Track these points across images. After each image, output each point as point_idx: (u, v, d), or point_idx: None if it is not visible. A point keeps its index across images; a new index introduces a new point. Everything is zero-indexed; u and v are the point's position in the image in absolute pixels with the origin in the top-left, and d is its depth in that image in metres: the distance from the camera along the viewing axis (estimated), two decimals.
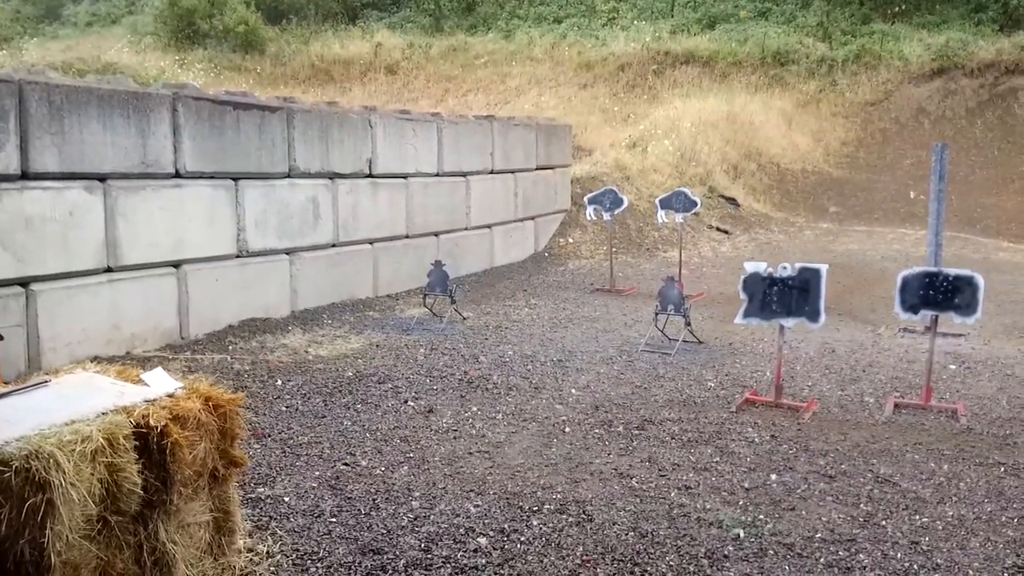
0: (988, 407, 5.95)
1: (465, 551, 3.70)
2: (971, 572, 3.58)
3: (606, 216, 10.83)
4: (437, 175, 10.53)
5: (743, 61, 20.98)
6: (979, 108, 18.60)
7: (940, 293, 5.77)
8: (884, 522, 4.07)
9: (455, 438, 5.16)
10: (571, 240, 13.27)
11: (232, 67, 22.85)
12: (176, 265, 7.26)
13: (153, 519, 3.10)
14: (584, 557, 3.67)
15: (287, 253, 8.39)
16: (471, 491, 4.35)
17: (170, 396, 3.29)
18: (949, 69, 19.39)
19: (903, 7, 21.78)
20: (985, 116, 18.40)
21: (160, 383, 3.39)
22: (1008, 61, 18.92)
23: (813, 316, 5.75)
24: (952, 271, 5.83)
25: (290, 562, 3.58)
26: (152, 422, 3.05)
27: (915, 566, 3.63)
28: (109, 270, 6.71)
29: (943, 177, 8.36)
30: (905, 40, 20.42)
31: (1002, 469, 4.76)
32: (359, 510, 4.10)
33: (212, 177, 7.55)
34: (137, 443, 3.01)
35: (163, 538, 3.14)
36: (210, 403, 3.36)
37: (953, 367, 7.00)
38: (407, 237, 10.06)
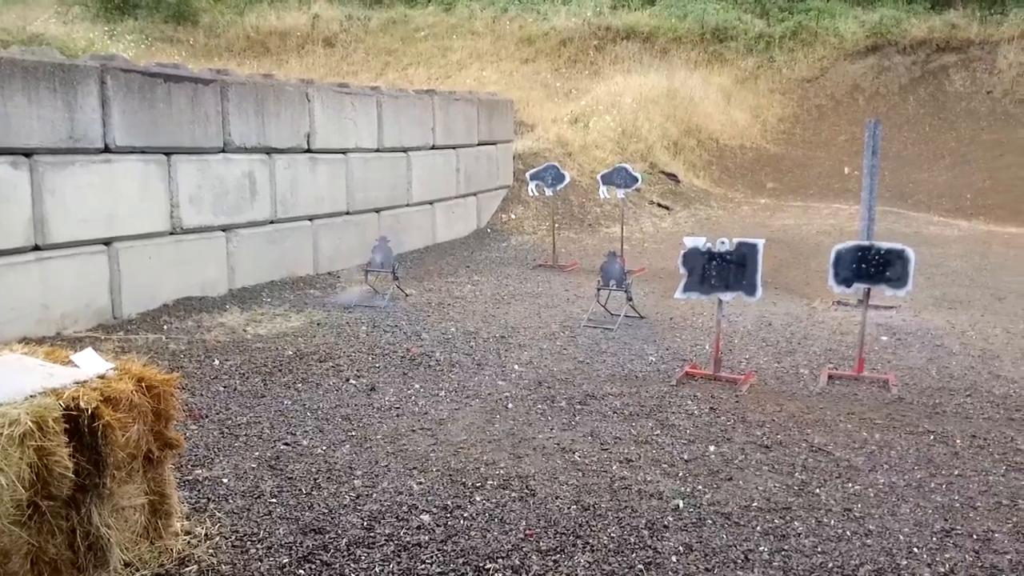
0: (918, 377, 6.14)
1: (408, 528, 3.69)
2: (901, 537, 3.70)
3: (548, 192, 10.84)
4: (377, 150, 10.40)
5: (683, 37, 21.13)
6: (911, 85, 19.08)
7: (872, 266, 5.92)
8: (818, 490, 4.17)
9: (398, 416, 5.14)
10: (513, 216, 13.26)
11: (164, 38, 22.16)
12: (107, 243, 7.04)
13: (86, 503, 3.03)
14: (527, 531, 3.69)
15: (223, 230, 8.21)
16: (414, 468, 4.34)
17: (101, 377, 3.20)
18: (883, 46, 19.82)
19: None
20: (917, 93, 18.88)
21: (91, 364, 3.29)
22: (939, 39, 19.42)
23: (750, 290, 5.85)
24: (884, 245, 5.97)
25: (229, 544, 3.52)
26: (83, 404, 2.97)
27: (848, 532, 3.74)
28: (37, 248, 6.48)
29: (876, 153, 8.56)
30: (840, 17, 20.79)
31: (931, 437, 4.92)
32: (300, 490, 4.05)
33: (143, 152, 7.32)
34: (68, 426, 2.93)
35: (97, 522, 3.07)
36: (143, 384, 3.28)
37: (885, 339, 7.20)
38: (347, 213, 9.93)
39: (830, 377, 6.08)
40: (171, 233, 7.64)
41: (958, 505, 4.02)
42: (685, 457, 4.56)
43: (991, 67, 18.72)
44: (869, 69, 19.59)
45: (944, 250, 11.58)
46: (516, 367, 6.18)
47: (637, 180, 10.54)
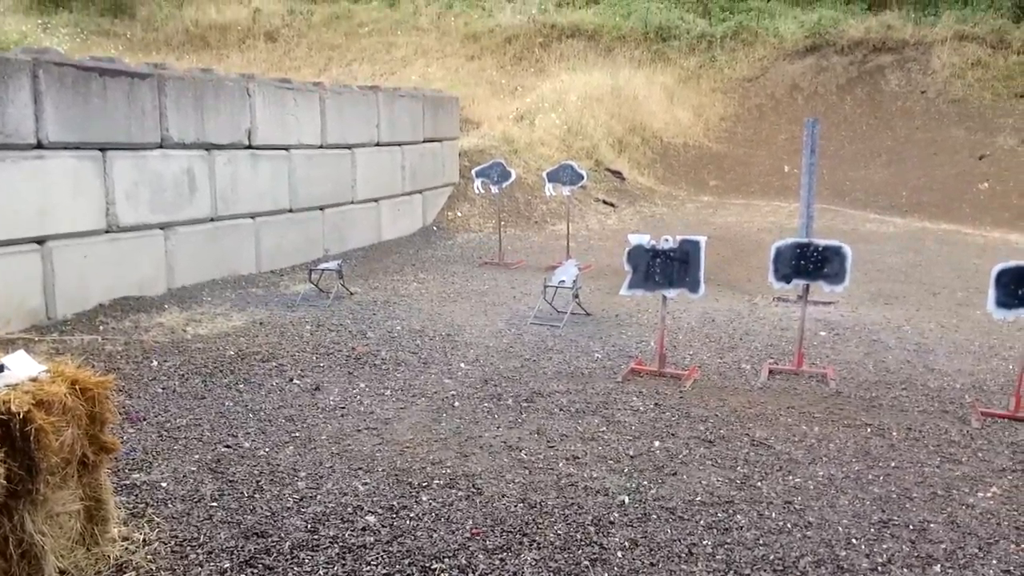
0: (856, 371, 6.28)
1: (353, 530, 3.65)
2: (840, 529, 3.78)
3: (494, 189, 10.84)
4: (321, 147, 10.27)
5: (627, 36, 21.29)
6: (849, 84, 19.50)
7: (811, 263, 6.03)
8: (760, 483, 4.24)
9: (342, 416, 5.08)
10: (460, 213, 13.22)
11: (100, 32, 21.59)
12: (40, 241, 6.83)
13: (19, 510, 2.94)
14: (474, 530, 3.68)
15: (161, 228, 8.02)
16: (359, 469, 4.29)
17: (33, 380, 3.11)
18: (821, 46, 20.23)
19: None
20: (854, 92, 19.31)
21: (22, 366, 3.19)
22: (876, 39, 19.89)
23: (693, 286, 5.92)
24: (822, 242, 6.09)
25: (168, 549, 3.44)
26: (14, 408, 2.88)
27: (789, 524, 3.81)
28: None
29: (814, 151, 8.73)
30: (780, 17, 21.16)
31: (868, 430, 5.04)
32: (242, 493, 3.98)
33: (78, 148, 7.12)
34: None
35: (30, 529, 2.98)
36: (77, 386, 3.19)
37: (823, 334, 7.36)
38: (291, 211, 9.79)
39: (771, 372, 6.18)
40: (107, 231, 7.44)
41: (895, 496, 4.13)
42: (631, 453, 4.60)
43: (925, 67, 19.23)
44: (808, 69, 19.97)
45: (880, 246, 11.87)
46: (462, 365, 6.16)
47: (583, 177, 10.60)
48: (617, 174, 16.08)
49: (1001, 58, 18.70)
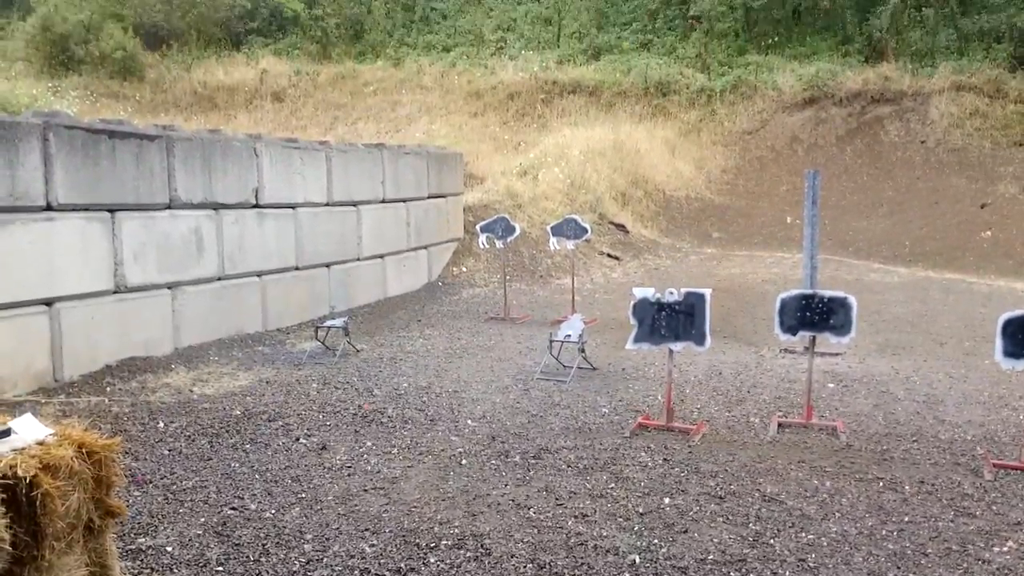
0: (865, 423, 6.23)
1: None
2: None
3: (499, 244, 10.89)
4: (327, 204, 10.37)
5: (627, 91, 21.62)
6: (848, 136, 19.71)
7: (816, 314, 6.03)
8: (772, 540, 4.19)
9: (349, 475, 5.04)
10: (465, 268, 13.28)
11: (110, 94, 21.99)
12: (48, 303, 6.87)
13: None
14: None
15: (169, 287, 8.07)
16: (366, 530, 4.25)
17: (40, 444, 3.10)
18: (820, 99, 20.51)
19: (775, 39, 22.96)
20: (854, 143, 19.51)
21: (29, 430, 3.19)
22: (874, 91, 20.16)
23: (699, 339, 5.91)
24: (827, 293, 6.09)
25: None
26: (20, 472, 2.86)
27: None
28: None
29: (816, 202, 8.79)
30: (778, 71, 21.49)
31: (881, 484, 4.98)
32: (248, 557, 3.94)
33: (87, 209, 7.20)
34: (4, 495, 2.82)
35: None
36: (84, 450, 3.18)
37: (832, 385, 7.32)
38: (297, 268, 9.85)
39: (780, 425, 6.14)
40: (115, 292, 7.48)
41: (910, 552, 4.06)
42: (640, 510, 4.55)
43: (924, 118, 19.45)
44: (807, 121, 20.22)
45: (885, 296, 11.86)
46: (469, 422, 6.13)
47: (587, 231, 10.67)
48: (621, 227, 16.17)
49: (999, 107, 18.92)
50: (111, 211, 7.45)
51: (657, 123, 20.49)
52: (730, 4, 22.19)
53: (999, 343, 5.34)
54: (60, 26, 23.16)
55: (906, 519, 4.47)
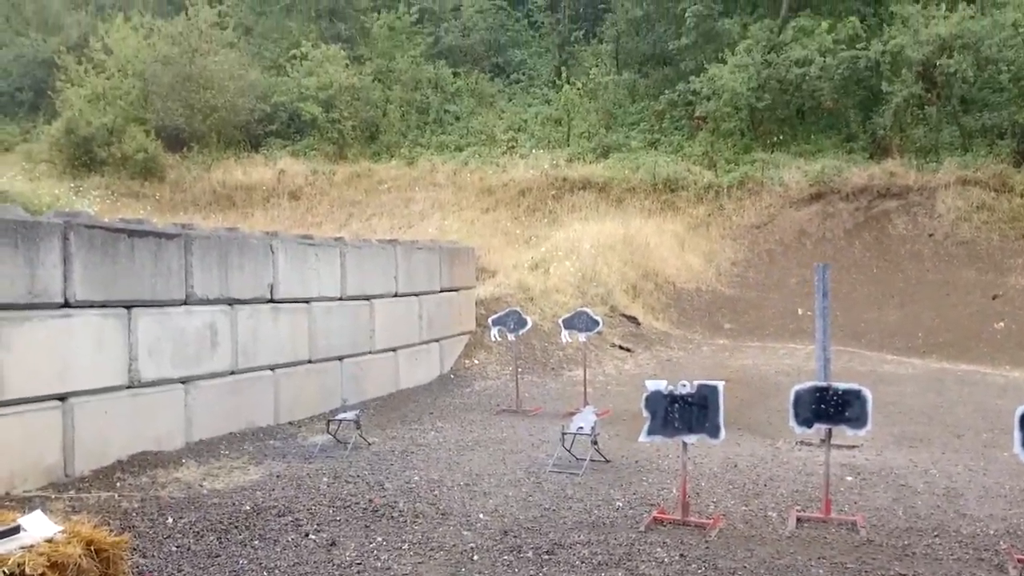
0: (885, 518, 6.10)
1: None
2: None
3: (511, 337, 10.93)
4: (340, 299, 10.48)
5: (636, 187, 22.03)
6: (856, 229, 19.90)
7: (831, 407, 5.99)
8: None
9: (358, 572, 4.96)
10: (477, 361, 13.29)
11: (130, 193, 22.56)
12: (62, 398, 6.90)
13: None
14: None
15: (182, 382, 8.10)
16: None
17: (49, 541, 3.10)
18: (826, 194, 20.81)
19: (781, 137, 23.44)
20: (862, 236, 19.68)
21: (38, 527, 3.19)
22: (880, 186, 20.46)
23: (713, 432, 5.87)
24: (841, 385, 6.07)
25: None
26: (28, 571, 2.86)
27: None
28: None
29: (826, 294, 8.82)
30: (784, 167, 21.87)
31: None
32: None
33: (104, 306, 7.31)
34: None
35: None
36: (92, 547, 3.18)
37: (850, 479, 7.20)
38: (310, 362, 9.89)
39: (798, 520, 6.02)
40: (128, 387, 7.52)
41: None
42: None
43: (931, 211, 19.66)
44: (815, 215, 20.46)
45: (900, 388, 11.76)
46: (481, 516, 6.05)
47: (598, 324, 10.71)
48: (632, 319, 16.22)
49: (1005, 201, 19.14)
50: (128, 307, 7.55)
51: (666, 218, 20.78)
52: (735, 105, 22.74)
53: (1017, 435, 5.28)
54: (84, 129, 23.95)
55: None
